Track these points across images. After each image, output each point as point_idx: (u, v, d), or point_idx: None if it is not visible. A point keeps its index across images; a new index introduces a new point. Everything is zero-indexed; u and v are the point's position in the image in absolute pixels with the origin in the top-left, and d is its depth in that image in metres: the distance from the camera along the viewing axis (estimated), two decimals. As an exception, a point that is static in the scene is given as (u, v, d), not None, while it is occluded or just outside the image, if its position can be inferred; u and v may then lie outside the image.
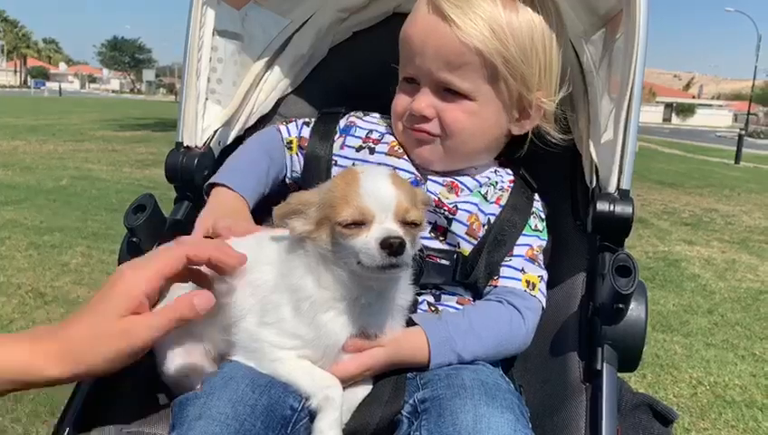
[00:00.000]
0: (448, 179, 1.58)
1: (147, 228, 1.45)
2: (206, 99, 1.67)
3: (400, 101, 1.59)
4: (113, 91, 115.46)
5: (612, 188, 1.39)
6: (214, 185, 1.57)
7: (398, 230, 1.15)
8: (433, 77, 1.49)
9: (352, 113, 1.71)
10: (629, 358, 1.28)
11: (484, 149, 1.60)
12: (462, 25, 1.41)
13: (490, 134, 1.56)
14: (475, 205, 1.53)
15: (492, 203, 1.56)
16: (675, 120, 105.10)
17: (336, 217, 1.17)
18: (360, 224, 1.16)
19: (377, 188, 1.19)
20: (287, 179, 1.71)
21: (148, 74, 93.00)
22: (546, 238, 1.61)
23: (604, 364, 1.25)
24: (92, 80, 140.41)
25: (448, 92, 1.50)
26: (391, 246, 1.12)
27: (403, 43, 1.56)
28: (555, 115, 1.58)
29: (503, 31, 1.42)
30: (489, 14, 1.42)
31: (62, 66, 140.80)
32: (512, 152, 1.65)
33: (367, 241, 1.14)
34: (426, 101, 1.51)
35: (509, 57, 1.44)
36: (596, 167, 1.52)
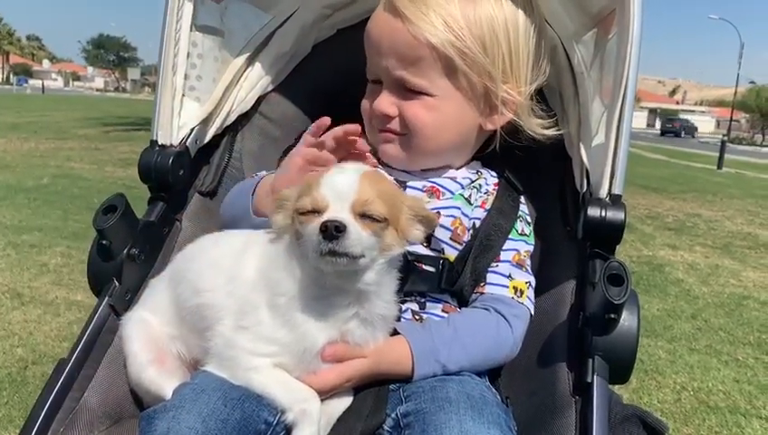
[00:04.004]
0: (428, 184, 1.53)
1: (118, 230, 1.39)
2: (183, 95, 1.61)
3: (366, 103, 1.57)
4: (97, 90, 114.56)
5: (604, 194, 1.35)
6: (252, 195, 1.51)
7: (343, 217, 1.12)
8: (391, 74, 1.47)
9: None
10: (621, 370, 1.24)
11: (452, 146, 1.55)
12: (413, 19, 1.39)
13: (455, 129, 1.52)
14: (458, 208, 1.49)
15: (477, 207, 1.52)
16: (659, 125, 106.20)
17: (297, 205, 1.18)
18: (315, 212, 1.14)
19: (338, 179, 1.18)
20: None
21: (133, 73, 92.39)
22: (533, 243, 1.57)
23: (595, 376, 1.21)
24: (76, 78, 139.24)
25: (408, 89, 1.47)
26: (326, 229, 1.08)
27: (365, 42, 1.54)
28: (533, 110, 1.53)
29: (456, 23, 1.39)
30: (443, 7, 1.39)
31: (46, 63, 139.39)
32: (482, 149, 1.61)
33: (313, 226, 1.12)
34: (387, 100, 1.49)
35: (464, 49, 1.40)
36: (587, 171, 1.47)
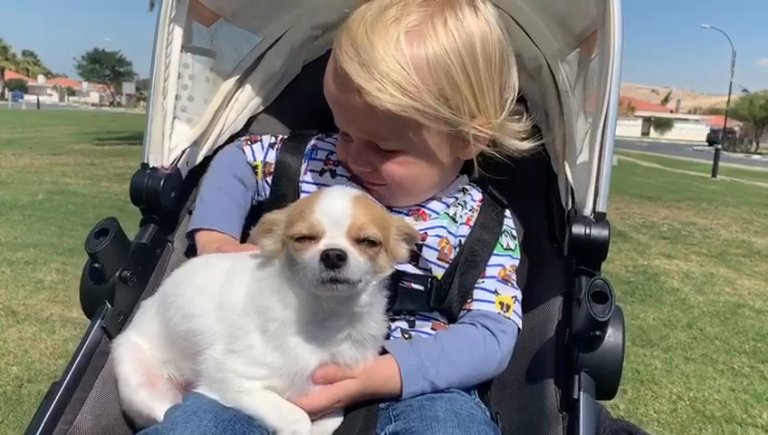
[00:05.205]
0: (414, 207, 1.54)
1: (110, 253, 1.40)
2: (174, 118, 1.62)
3: (341, 152, 1.56)
4: (93, 104, 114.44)
5: (588, 211, 1.37)
6: (198, 230, 1.56)
7: (342, 244, 1.12)
8: (358, 137, 1.45)
9: (315, 137, 1.68)
10: (607, 385, 1.25)
11: (433, 186, 1.54)
12: (368, 89, 1.30)
13: (434, 173, 1.49)
14: (444, 228, 1.50)
15: (462, 224, 1.53)
16: (653, 133, 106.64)
17: (290, 231, 1.17)
18: (311, 238, 1.15)
19: (332, 204, 1.18)
20: (253, 201, 1.68)
21: (129, 87, 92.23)
22: (519, 257, 1.58)
23: (581, 393, 1.22)
24: (72, 93, 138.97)
25: (379, 148, 1.44)
26: (328, 257, 1.09)
27: (325, 96, 1.49)
28: (509, 128, 1.47)
29: (412, 84, 1.30)
30: (395, 68, 1.30)
31: (41, 79, 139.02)
32: (467, 169, 1.59)
33: (311, 254, 1.12)
34: (359, 159, 1.48)
35: (425, 109, 1.32)
36: (572, 188, 1.49)
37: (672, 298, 6.16)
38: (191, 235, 1.58)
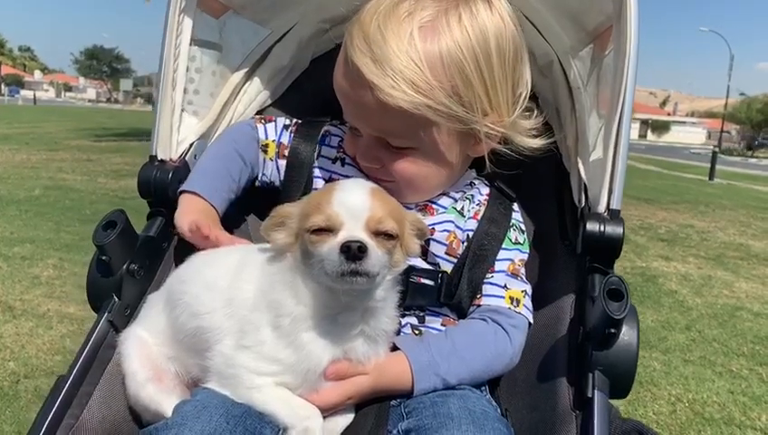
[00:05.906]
0: (421, 203, 1.51)
1: (117, 246, 1.38)
2: (182, 110, 1.61)
3: (349, 147, 1.54)
4: (89, 101, 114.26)
5: (602, 208, 1.36)
6: (184, 192, 1.53)
7: (362, 236, 1.11)
8: (368, 133, 1.43)
9: (328, 123, 1.66)
10: (621, 384, 1.24)
11: (442, 184, 1.51)
12: (381, 86, 1.27)
13: (444, 171, 1.46)
14: (452, 222, 1.49)
15: (470, 218, 1.52)
16: (650, 136, 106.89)
17: (306, 224, 1.15)
18: (328, 231, 1.13)
19: (349, 196, 1.17)
20: (257, 182, 1.66)
21: (126, 84, 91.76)
22: (527, 251, 1.56)
23: (595, 391, 1.21)
24: (68, 89, 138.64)
25: (389, 145, 1.41)
26: (349, 250, 1.08)
27: (335, 90, 1.45)
28: (521, 126, 1.45)
29: (425, 81, 1.28)
30: (408, 65, 1.27)
31: (38, 74, 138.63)
32: (477, 165, 1.57)
33: (330, 246, 1.11)
34: (369, 155, 1.45)
35: (438, 107, 1.30)
36: (585, 186, 1.48)
37: (670, 300, 6.17)
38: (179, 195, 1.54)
